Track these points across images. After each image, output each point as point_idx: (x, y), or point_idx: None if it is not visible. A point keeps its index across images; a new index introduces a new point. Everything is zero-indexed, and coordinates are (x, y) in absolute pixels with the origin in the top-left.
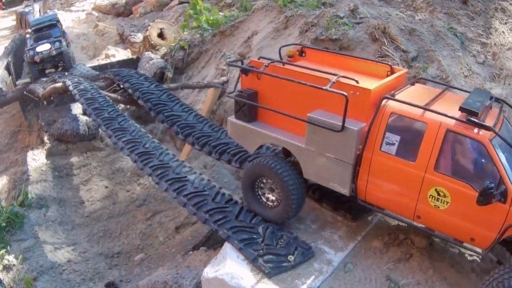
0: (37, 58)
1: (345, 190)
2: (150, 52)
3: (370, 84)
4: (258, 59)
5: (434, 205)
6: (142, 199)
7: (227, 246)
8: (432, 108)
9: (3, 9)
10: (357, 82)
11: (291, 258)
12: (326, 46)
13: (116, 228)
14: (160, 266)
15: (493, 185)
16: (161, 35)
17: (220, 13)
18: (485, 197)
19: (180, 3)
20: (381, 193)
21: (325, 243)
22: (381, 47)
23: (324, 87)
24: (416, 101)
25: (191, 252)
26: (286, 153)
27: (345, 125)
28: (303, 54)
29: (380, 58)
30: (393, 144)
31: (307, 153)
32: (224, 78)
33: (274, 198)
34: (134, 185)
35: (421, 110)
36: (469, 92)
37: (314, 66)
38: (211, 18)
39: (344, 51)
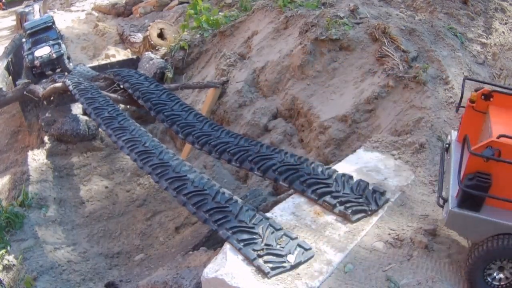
0: (37, 63)
1: None
2: (150, 52)
3: None
4: (498, 137)
5: None
6: (142, 199)
7: (227, 246)
8: None
9: (3, 9)
10: None
11: (291, 258)
12: (326, 47)
13: (116, 228)
14: (160, 266)
15: None
16: (161, 35)
17: (220, 13)
18: None
19: (180, 3)
20: None
21: (325, 243)
22: (381, 47)
23: None
24: None
25: (191, 252)
26: None
27: None
28: (491, 99)
29: (380, 58)
30: None
31: None
32: (224, 78)
33: (503, 277)
34: (134, 185)
35: None
36: None
37: None
38: (211, 18)
39: (344, 51)
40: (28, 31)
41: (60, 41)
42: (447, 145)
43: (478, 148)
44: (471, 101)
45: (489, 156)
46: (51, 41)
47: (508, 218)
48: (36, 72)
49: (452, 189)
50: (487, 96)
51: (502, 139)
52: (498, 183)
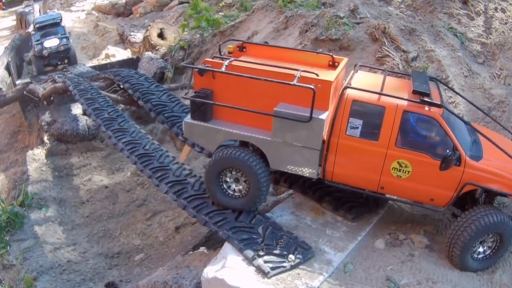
0: (45, 53)
1: (313, 174)
2: (150, 52)
3: (327, 75)
4: (213, 58)
5: (397, 175)
6: (142, 199)
7: (227, 246)
8: (387, 93)
9: (3, 9)
10: (317, 75)
11: (291, 258)
12: (326, 47)
13: (116, 228)
14: (160, 266)
15: (451, 153)
16: (161, 35)
17: (220, 13)
18: (446, 164)
19: (180, 3)
20: (348, 172)
21: (325, 243)
22: (381, 47)
23: (292, 82)
24: (370, 88)
25: (191, 252)
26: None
27: (312, 115)
28: (244, 50)
29: (380, 58)
30: (357, 127)
31: (274, 145)
32: None
33: (239, 188)
34: (134, 185)
35: (378, 96)
36: (406, 74)
37: (257, 60)
38: (211, 18)
39: (344, 51)
40: (38, 25)
41: (68, 35)
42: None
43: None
44: (229, 52)
45: (195, 66)
46: (60, 35)
47: (231, 127)
48: (44, 63)
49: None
50: (241, 48)
51: (216, 59)
52: (216, 96)
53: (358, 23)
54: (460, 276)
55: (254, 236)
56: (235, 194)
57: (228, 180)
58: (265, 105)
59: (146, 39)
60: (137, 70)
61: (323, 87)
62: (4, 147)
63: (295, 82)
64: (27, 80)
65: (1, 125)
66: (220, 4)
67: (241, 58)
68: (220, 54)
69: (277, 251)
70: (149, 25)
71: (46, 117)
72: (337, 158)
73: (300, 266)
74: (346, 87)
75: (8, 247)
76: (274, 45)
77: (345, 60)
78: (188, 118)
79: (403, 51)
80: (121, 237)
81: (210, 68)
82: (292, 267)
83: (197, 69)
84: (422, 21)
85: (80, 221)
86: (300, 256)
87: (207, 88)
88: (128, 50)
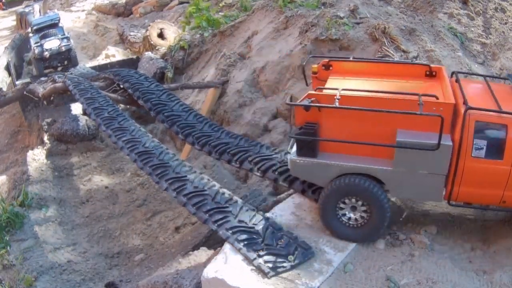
0: (46, 54)
1: (438, 199)
2: (150, 52)
3: (444, 95)
4: (315, 89)
5: None
6: (142, 199)
7: (227, 246)
8: (505, 109)
9: (3, 9)
10: (437, 98)
11: (291, 258)
12: (326, 47)
13: (116, 228)
14: (160, 266)
15: None
16: (161, 35)
17: (220, 13)
18: None
19: (180, 3)
20: (472, 191)
21: (325, 243)
22: (381, 47)
23: (418, 112)
24: (483, 101)
25: (191, 252)
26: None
27: (440, 142)
28: (330, 68)
29: (380, 58)
30: (482, 148)
31: (395, 174)
32: (224, 78)
33: (355, 217)
34: (134, 185)
35: (499, 114)
36: (504, 78)
37: (355, 81)
38: (211, 18)
39: (344, 51)
40: (35, 27)
41: (68, 36)
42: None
43: (300, 101)
44: (314, 72)
45: (305, 104)
46: (60, 35)
47: (345, 160)
48: (45, 65)
49: (292, 143)
50: (327, 66)
51: (318, 91)
52: (324, 129)
53: (358, 23)
54: (460, 276)
55: (254, 236)
56: (351, 223)
57: (344, 208)
58: (381, 133)
59: (146, 39)
60: (137, 70)
61: (444, 110)
62: (4, 147)
63: (421, 111)
64: (27, 80)
65: (1, 125)
66: (220, 4)
67: (346, 85)
68: (305, 78)
69: (277, 251)
70: (149, 25)
71: (46, 117)
72: (463, 180)
73: (300, 266)
74: (468, 108)
75: (8, 247)
76: (361, 58)
77: (443, 69)
78: (294, 156)
79: (403, 51)
80: (121, 237)
81: (325, 105)
82: (292, 267)
83: (304, 106)
84: (422, 21)
85: (80, 221)
86: (300, 256)
87: (312, 122)
88: (128, 50)
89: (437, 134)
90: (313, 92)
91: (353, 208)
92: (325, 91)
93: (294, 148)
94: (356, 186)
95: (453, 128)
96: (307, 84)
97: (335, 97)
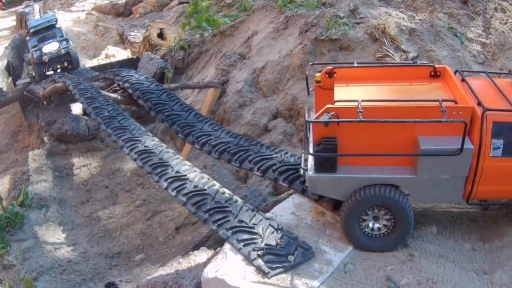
0: (45, 58)
1: (458, 200)
2: (150, 52)
3: (457, 97)
4: (333, 103)
5: None
6: (142, 199)
7: (227, 246)
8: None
9: (3, 9)
10: (456, 102)
11: (291, 258)
12: (326, 47)
13: (116, 228)
14: (160, 266)
15: None
16: (161, 35)
17: (220, 13)
18: None
19: (180, 3)
20: (489, 188)
21: (325, 243)
22: (381, 47)
23: (443, 119)
24: (496, 100)
25: (191, 252)
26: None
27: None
28: (334, 75)
29: (380, 58)
30: (499, 147)
31: (418, 182)
32: (224, 78)
33: (378, 227)
34: (134, 185)
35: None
36: (507, 73)
37: (365, 86)
38: (211, 18)
39: (344, 51)
40: (32, 30)
41: (67, 37)
42: (308, 124)
43: (317, 116)
44: (317, 81)
45: (325, 120)
46: (58, 38)
47: (365, 172)
48: (45, 69)
49: (310, 159)
50: (331, 74)
51: (337, 104)
52: (343, 142)
53: (358, 23)
54: (460, 276)
55: (254, 236)
56: (374, 233)
57: (367, 220)
58: (401, 141)
59: (146, 39)
60: (137, 70)
61: (463, 114)
62: (4, 147)
63: (446, 118)
64: (27, 80)
65: (1, 125)
66: (220, 4)
67: (356, 94)
68: (307, 86)
69: (277, 251)
70: (149, 25)
71: (46, 117)
72: (482, 179)
73: (300, 266)
74: (486, 110)
75: (8, 247)
76: (365, 63)
77: (448, 69)
78: (312, 173)
79: (403, 51)
80: (121, 237)
81: (351, 120)
82: (292, 267)
83: (324, 123)
84: (422, 21)
85: (80, 221)
86: (300, 256)
87: (330, 136)
88: (128, 50)
89: (458, 138)
90: (331, 106)
91: (376, 218)
92: (344, 104)
93: (310, 164)
94: (381, 196)
95: (471, 130)
96: (308, 94)
97: (358, 110)
